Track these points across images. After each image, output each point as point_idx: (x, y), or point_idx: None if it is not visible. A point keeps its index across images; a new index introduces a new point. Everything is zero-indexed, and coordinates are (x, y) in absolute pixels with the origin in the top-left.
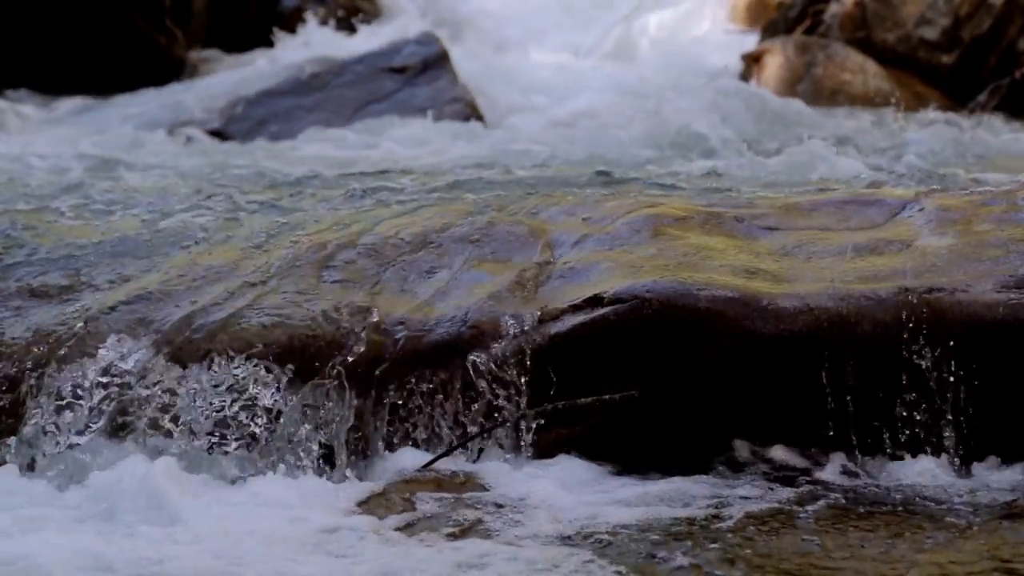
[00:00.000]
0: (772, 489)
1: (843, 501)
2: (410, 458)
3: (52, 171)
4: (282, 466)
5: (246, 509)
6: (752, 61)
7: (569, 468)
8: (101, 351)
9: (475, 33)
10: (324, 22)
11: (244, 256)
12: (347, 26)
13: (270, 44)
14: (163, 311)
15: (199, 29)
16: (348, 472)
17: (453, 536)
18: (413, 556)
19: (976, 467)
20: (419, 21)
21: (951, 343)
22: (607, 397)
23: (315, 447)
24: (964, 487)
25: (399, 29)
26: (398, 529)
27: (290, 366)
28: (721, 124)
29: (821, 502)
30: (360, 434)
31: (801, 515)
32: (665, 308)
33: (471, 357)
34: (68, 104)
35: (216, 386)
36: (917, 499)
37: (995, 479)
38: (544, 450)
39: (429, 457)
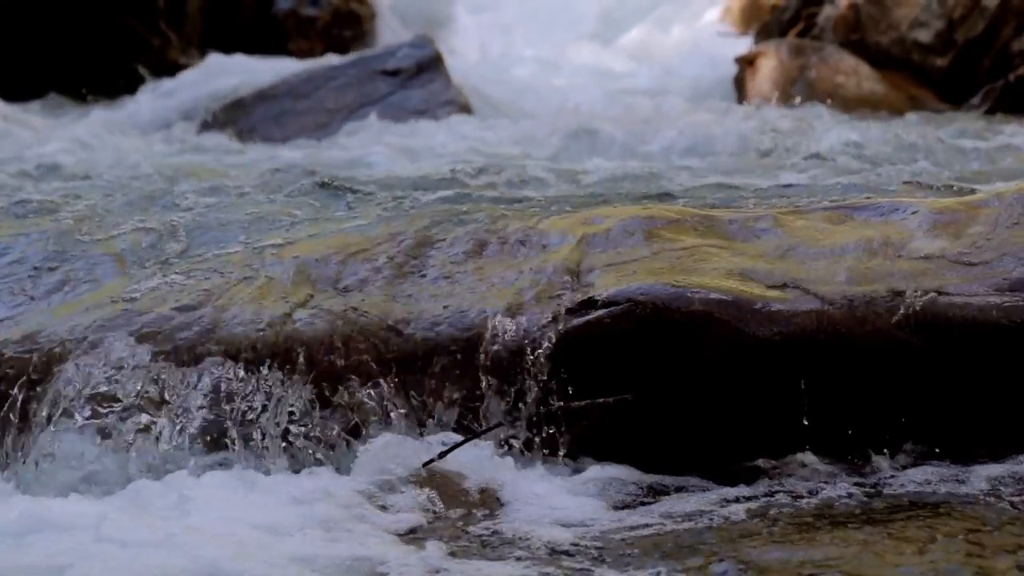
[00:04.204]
0: (770, 491)
1: (840, 503)
2: (408, 457)
3: (46, 172)
4: (286, 461)
5: (248, 504)
6: (746, 64)
7: (567, 470)
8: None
9: (469, 36)
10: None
11: (242, 259)
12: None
13: (265, 48)
14: (179, 315)
15: (193, 32)
16: (349, 469)
17: (447, 533)
18: (409, 554)
19: (977, 465)
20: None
21: (946, 346)
22: (600, 400)
23: (319, 443)
24: (964, 486)
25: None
26: (396, 527)
27: (297, 366)
28: (716, 127)
29: (818, 504)
30: (361, 433)
31: (802, 517)
32: (659, 311)
33: (467, 360)
34: (62, 105)
35: (223, 386)
36: (918, 500)
37: (995, 475)
38: (541, 451)
39: (426, 458)
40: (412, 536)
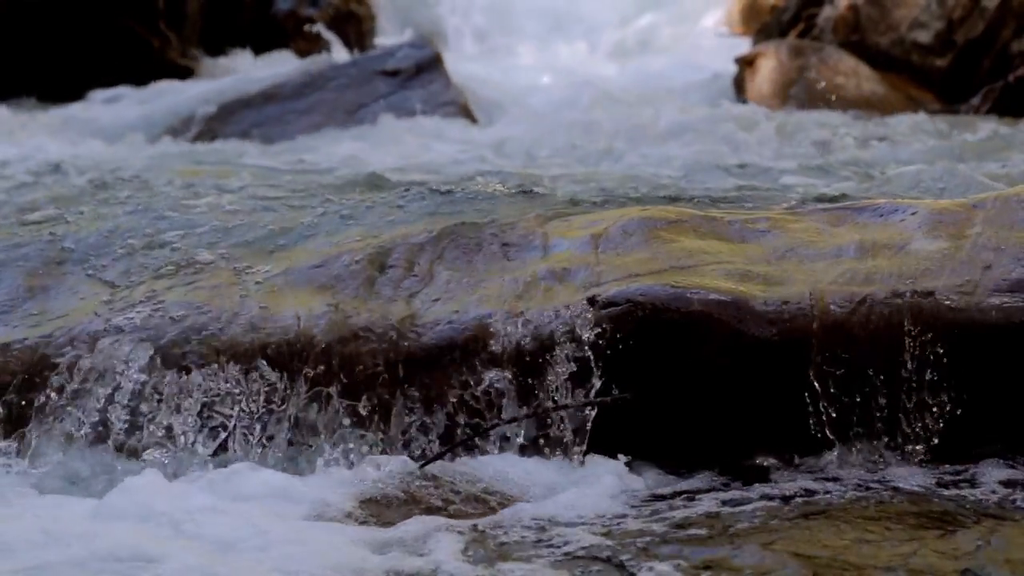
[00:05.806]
0: (772, 489)
1: (843, 501)
2: (411, 459)
3: (44, 174)
4: (285, 463)
5: (242, 506)
6: (746, 65)
7: (571, 468)
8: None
9: (467, 37)
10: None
11: (242, 263)
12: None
13: (265, 48)
14: (181, 319)
15: (193, 33)
16: (349, 470)
17: (455, 533)
18: (418, 555)
19: (975, 467)
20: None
21: (944, 346)
22: (598, 400)
23: (316, 446)
24: (968, 485)
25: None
26: (396, 527)
27: (297, 368)
28: (715, 128)
29: (822, 503)
30: (360, 434)
31: (805, 516)
32: (659, 311)
33: (470, 361)
34: (62, 107)
35: (224, 390)
36: (923, 498)
37: (998, 475)
38: (545, 450)
39: (424, 458)
40: (419, 537)
